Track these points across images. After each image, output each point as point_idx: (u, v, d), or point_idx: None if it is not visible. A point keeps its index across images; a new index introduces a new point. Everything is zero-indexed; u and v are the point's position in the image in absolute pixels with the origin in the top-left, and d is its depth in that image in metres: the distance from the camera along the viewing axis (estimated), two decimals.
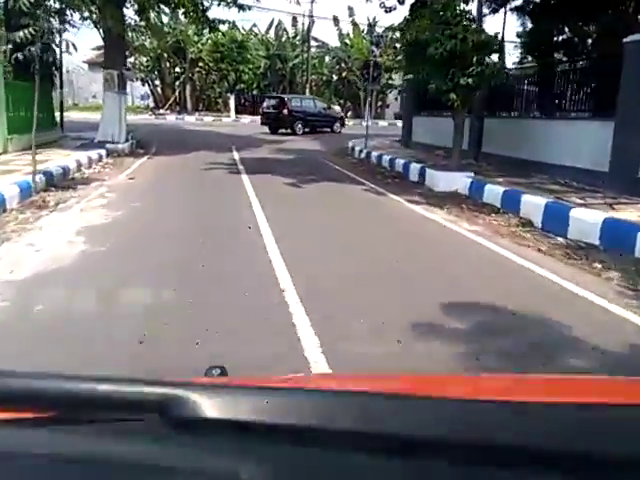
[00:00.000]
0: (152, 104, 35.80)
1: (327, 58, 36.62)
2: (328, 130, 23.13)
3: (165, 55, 33.54)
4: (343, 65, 36.89)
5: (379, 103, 36.48)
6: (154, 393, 0.51)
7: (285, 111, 21.34)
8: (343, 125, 24.77)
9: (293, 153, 14.57)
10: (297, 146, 16.95)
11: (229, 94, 29.66)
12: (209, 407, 0.49)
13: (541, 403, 0.64)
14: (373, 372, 2.15)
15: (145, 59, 34.38)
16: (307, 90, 29.88)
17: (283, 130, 21.62)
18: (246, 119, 29.73)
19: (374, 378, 1.03)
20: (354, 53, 33.88)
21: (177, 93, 33.76)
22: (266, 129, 21.88)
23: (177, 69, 34.84)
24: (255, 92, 35.73)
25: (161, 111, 30.16)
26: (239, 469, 0.47)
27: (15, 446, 0.52)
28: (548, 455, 0.47)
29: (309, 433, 0.49)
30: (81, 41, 73.35)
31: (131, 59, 35.06)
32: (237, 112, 30.87)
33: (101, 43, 16.60)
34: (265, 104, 23.04)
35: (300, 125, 21.86)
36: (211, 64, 30.46)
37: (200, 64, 34.15)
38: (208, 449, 0.50)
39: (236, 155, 13.44)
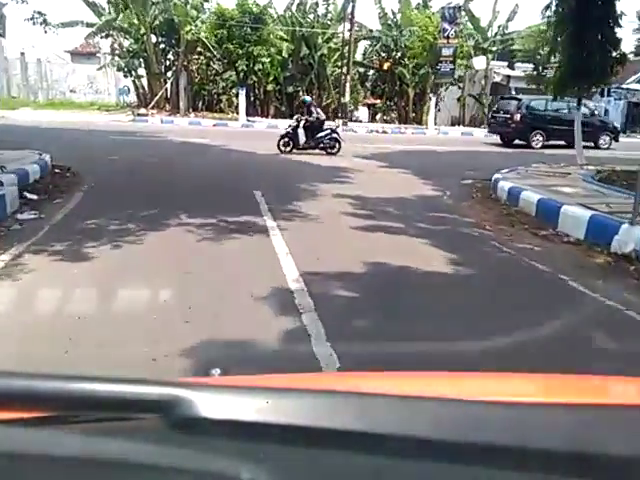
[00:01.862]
0: (136, 101, 27.38)
1: (363, 45, 28.08)
2: (591, 145, 15.12)
3: (153, 36, 25.12)
4: (383, 54, 28.49)
5: (427, 103, 27.97)
6: (154, 393, 0.51)
7: (517, 116, 15.85)
8: (616, 139, 16.90)
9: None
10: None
11: (238, 88, 21.15)
12: (209, 407, 0.50)
13: (541, 403, 0.65)
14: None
15: (127, 41, 25.97)
16: (347, 87, 21.34)
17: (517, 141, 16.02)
18: (260, 122, 21.25)
19: (374, 378, 1.03)
20: (407, 36, 25.40)
21: (167, 87, 25.26)
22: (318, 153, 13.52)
23: (170, 56, 26.36)
24: (269, 87, 27.25)
25: (142, 110, 21.64)
26: (239, 469, 0.47)
27: (15, 446, 0.50)
28: (548, 455, 0.46)
29: (309, 433, 0.49)
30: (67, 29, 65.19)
31: (107, 40, 26.85)
32: (248, 113, 22.67)
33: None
34: (496, 107, 18.30)
35: (540, 136, 15.85)
36: (214, 46, 22.04)
37: (199, 48, 25.70)
38: (208, 449, 0.49)
39: (288, 265, 4.40)
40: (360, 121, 33.91)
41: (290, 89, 25.70)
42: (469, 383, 0.96)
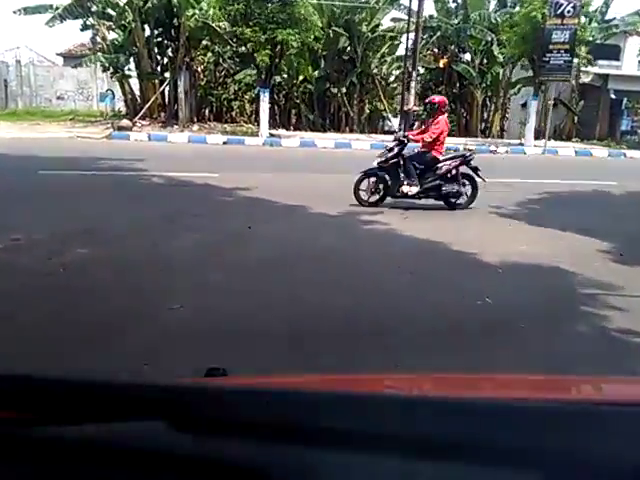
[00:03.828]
0: (123, 109, 21.49)
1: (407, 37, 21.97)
2: None
3: (147, 27, 19.26)
4: (436, 50, 22.45)
5: (500, 110, 21.77)
6: (155, 393, 0.51)
7: None
8: None
9: None
10: None
11: (259, 90, 15.01)
12: (209, 407, 0.50)
13: (541, 403, 0.64)
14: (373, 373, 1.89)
15: (112, 34, 20.12)
16: (412, 88, 15.17)
17: None
18: (288, 138, 15.13)
19: (374, 378, 1.03)
20: (474, 21, 19.34)
21: (164, 90, 19.32)
22: None
23: (168, 52, 20.41)
24: (294, 89, 21.23)
25: (125, 122, 15.57)
26: (239, 469, 0.47)
27: (15, 446, 0.51)
28: (548, 455, 0.46)
29: (309, 433, 0.49)
30: (61, 32, 59.88)
31: (86, 32, 20.95)
32: (272, 124, 16.79)
33: None
34: None
35: None
36: (224, 34, 16.10)
37: (205, 41, 19.76)
38: (208, 449, 0.49)
39: None
40: (395, 132, 27.99)
41: (323, 92, 19.66)
42: (469, 383, 0.93)
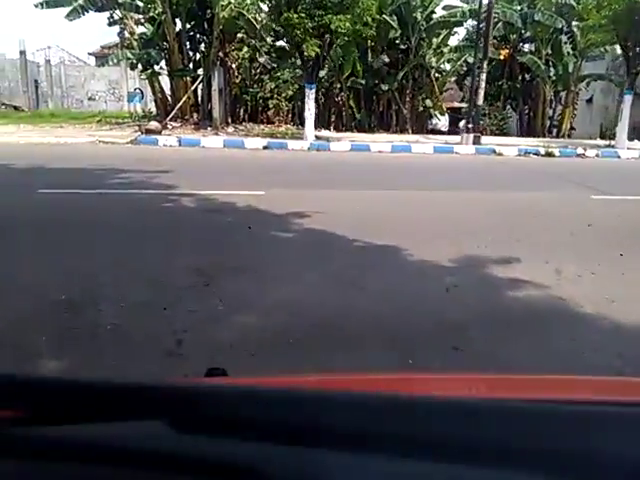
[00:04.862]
0: (154, 109, 19.93)
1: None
2: None
3: (177, 21, 17.60)
4: (495, 40, 20.07)
5: (571, 106, 19.27)
6: (154, 393, 0.51)
7: None
8: None
9: None
10: None
11: (305, 87, 13.01)
12: (209, 407, 0.50)
13: (542, 403, 0.64)
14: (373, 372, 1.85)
15: (140, 29, 18.55)
16: (482, 81, 12.94)
17: None
18: (337, 142, 13.10)
19: (374, 378, 1.01)
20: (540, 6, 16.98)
21: (194, 89, 17.60)
22: None
23: (201, 46, 18.71)
24: (339, 85, 19.21)
25: (153, 125, 13.81)
26: (239, 469, 0.47)
27: (15, 445, 0.51)
28: (548, 455, 0.46)
29: (309, 433, 0.48)
30: (91, 33, 59.33)
31: (113, 28, 19.36)
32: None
33: None
34: None
35: None
36: (262, 23, 14.25)
37: (241, 34, 17.97)
38: (208, 449, 0.48)
39: None
40: (441, 132, 25.49)
41: (371, 88, 17.57)
42: (469, 383, 0.92)
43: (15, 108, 26.58)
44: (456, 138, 14.48)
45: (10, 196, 6.14)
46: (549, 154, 12.44)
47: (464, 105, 27.10)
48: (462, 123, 28.15)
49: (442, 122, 28.79)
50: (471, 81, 14.76)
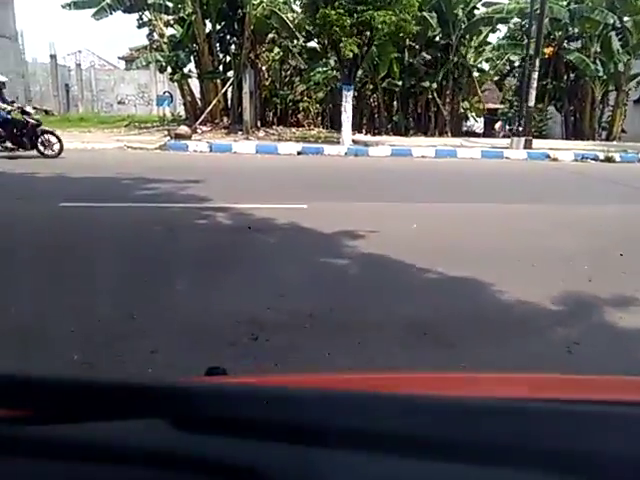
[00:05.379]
0: (183, 113, 19.50)
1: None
2: None
3: (207, 22, 17.11)
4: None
5: (621, 107, 18.07)
6: (154, 393, 0.51)
7: None
8: None
9: None
10: None
11: (343, 87, 12.23)
12: (209, 407, 0.50)
13: (541, 402, 0.64)
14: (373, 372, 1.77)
15: (169, 31, 18.13)
16: (534, 80, 11.94)
17: None
18: (377, 147, 12.28)
19: (374, 378, 1.01)
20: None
21: (224, 91, 17.04)
22: None
23: (232, 48, 18.18)
24: (373, 85, 18.44)
25: (182, 129, 13.22)
26: (239, 469, 0.47)
27: (15, 445, 0.51)
28: (548, 455, 0.46)
29: (309, 433, 0.48)
30: (121, 37, 59.79)
31: (142, 31, 18.93)
32: (335, 126, 14.06)
33: None
34: None
35: None
36: (294, 22, 13.62)
37: (272, 34, 17.37)
38: (208, 449, 0.49)
39: None
40: (476, 134, 24.40)
41: (408, 89, 16.70)
42: (470, 382, 0.92)
43: (46, 112, 26.54)
44: (501, 141, 13.54)
45: (29, 210, 5.55)
46: (609, 159, 11.39)
47: (501, 106, 26.00)
48: (498, 125, 27.07)
49: (476, 124, 27.71)
50: (521, 80, 13.83)
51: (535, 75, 11.77)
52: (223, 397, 0.52)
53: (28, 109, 9.86)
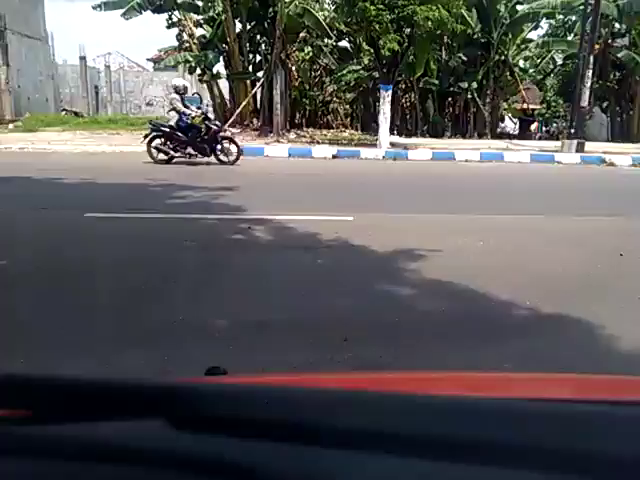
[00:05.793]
0: (211, 114, 19.04)
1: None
2: None
3: (237, 21, 16.68)
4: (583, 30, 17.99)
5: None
6: (154, 393, 0.51)
7: None
8: None
9: None
10: None
11: (381, 88, 11.58)
12: (209, 407, 0.50)
13: (542, 402, 0.63)
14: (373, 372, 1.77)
15: (198, 31, 17.78)
16: (588, 79, 11.13)
17: None
18: (415, 150, 11.59)
19: (374, 378, 1.00)
20: None
21: (254, 93, 16.56)
22: None
23: (262, 47, 17.75)
24: (409, 85, 17.73)
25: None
26: (239, 469, 0.47)
27: (14, 444, 0.50)
28: (549, 455, 0.46)
29: (309, 433, 0.48)
30: (150, 39, 60.17)
31: (171, 32, 18.60)
32: (366, 128, 13.36)
33: None
34: None
35: None
36: (326, 20, 13.07)
37: (303, 33, 16.84)
38: (208, 449, 0.48)
39: None
40: (510, 136, 23.36)
41: (445, 89, 15.93)
42: (470, 382, 0.92)
43: (75, 114, 26.51)
44: (548, 144, 12.70)
45: (51, 222, 5.08)
46: None
47: (538, 107, 24.94)
48: (534, 126, 26.00)
49: (509, 125, 26.66)
50: (564, 79, 12.97)
51: (589, 74, 10.94)
52: (223, 397, 0.51)
53: (210, 115, 9.64)
